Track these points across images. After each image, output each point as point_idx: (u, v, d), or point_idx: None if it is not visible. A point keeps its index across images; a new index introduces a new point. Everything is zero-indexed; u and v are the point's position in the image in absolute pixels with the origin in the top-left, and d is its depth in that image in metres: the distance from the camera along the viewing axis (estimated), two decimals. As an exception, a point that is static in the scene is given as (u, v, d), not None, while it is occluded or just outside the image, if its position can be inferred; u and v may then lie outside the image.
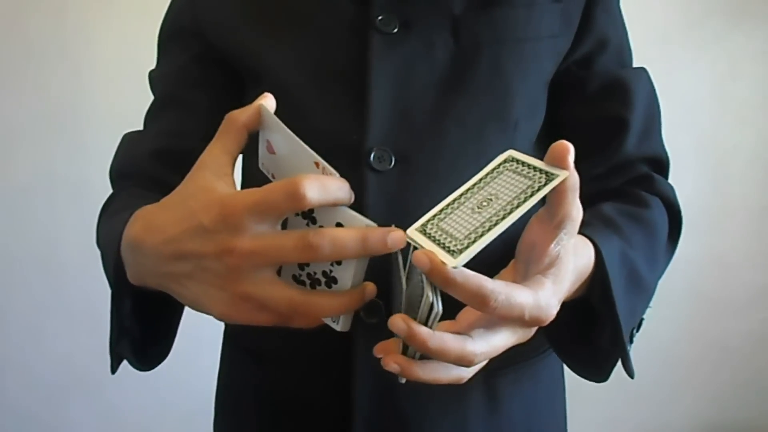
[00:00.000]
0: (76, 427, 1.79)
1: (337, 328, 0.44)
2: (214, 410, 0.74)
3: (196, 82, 0.66)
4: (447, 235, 0.38)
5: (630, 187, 0.62)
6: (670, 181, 0.66)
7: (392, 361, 0.40)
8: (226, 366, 0.72)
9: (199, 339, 1.67)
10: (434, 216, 0.40)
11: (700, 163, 1.86)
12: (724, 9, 1.80)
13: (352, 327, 0.56)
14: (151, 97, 0.70)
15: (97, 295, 1.77)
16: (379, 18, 0.57)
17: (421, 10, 0.58)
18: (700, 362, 1.94)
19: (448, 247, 0.37)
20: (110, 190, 0.66)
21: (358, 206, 0.42)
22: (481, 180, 0.41)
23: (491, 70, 0.57)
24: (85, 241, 1.64)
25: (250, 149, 0.45)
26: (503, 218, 0.36)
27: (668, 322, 1.88)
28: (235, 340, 0.70)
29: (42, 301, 1.73)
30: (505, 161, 0.42)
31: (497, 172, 0.41)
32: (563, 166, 0.39)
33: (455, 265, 0.35)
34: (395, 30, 0.57)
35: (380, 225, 0.39)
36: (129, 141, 0.68)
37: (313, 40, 0.59)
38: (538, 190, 0.37)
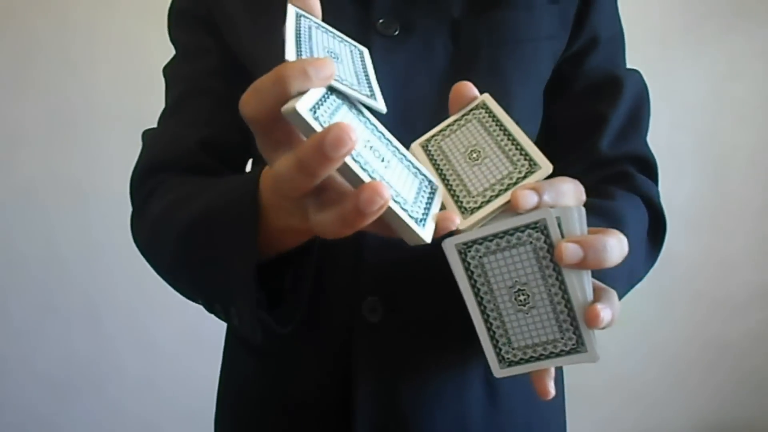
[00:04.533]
0: (77, 426, 1.79)
1: (422, 233, 0.36)
2: (215, 407, 0.74)
3: (220, 73, 0.64)
4: (461, 186, 0.42)
5: (602, 184, 0.61)
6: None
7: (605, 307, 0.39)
8: (229, 362, 0.72)
9: (200, 338, 1.67)
10: (432, 136, 0.46)
11: (700, 163, 1.85)
12: (724, 9, 1.80)
13: (349, 326, 0.57)
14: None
15: (97, 295, 1.78)
16: (380, 21, 0.57)
17: (421, 14, 0.58)
18: (700, 362, 1.95)
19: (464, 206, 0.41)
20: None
21: None
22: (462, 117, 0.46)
23: (491, 73, 0.58)
24: (85, 241, 1.65)
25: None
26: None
27: (668, 322, 1.89)
28: (238, 337, 0.70)
29: (42, 301, 1.74)
30: (477, 106, 0.45)
31: (473, 114, 0.45)
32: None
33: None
34: (396, 33, 0.57)
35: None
36: (161, 134, 0.65)
37: None
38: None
